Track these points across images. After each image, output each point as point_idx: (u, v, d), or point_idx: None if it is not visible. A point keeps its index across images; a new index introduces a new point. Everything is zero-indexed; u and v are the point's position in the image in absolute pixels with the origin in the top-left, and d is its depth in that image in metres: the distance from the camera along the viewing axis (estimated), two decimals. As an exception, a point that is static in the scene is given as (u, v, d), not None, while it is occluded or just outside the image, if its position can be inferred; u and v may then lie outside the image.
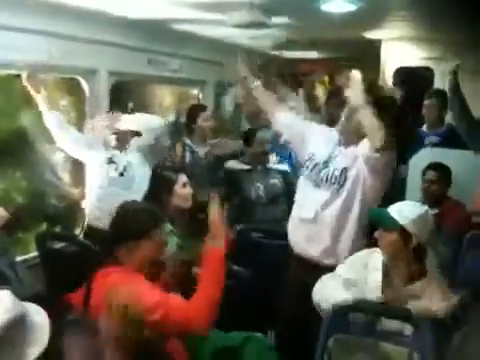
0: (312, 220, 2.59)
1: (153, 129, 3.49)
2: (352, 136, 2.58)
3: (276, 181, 3.71)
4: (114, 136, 3.42)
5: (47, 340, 1.35)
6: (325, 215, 2.57)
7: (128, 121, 3.42)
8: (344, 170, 2.54)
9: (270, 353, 2.30)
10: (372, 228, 2.38)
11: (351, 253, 2.42)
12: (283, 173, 3.79)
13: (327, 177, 2.58)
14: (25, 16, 2.85)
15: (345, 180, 2.54)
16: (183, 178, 2.82)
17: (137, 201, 2.41)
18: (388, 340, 2.01)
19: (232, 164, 3.87)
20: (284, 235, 2.79)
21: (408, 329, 2.02)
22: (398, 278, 2.17)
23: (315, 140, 2.76)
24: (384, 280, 2.18)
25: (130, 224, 2.10)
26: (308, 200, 2.65)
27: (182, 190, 2.78)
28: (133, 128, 3.42)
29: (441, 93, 4.05)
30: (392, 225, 2.15)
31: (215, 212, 2.12)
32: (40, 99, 3.15)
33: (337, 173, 2.56)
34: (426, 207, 2.25)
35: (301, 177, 2.78)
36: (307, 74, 6.03)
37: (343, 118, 2.61)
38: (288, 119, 2.89)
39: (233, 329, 2.32)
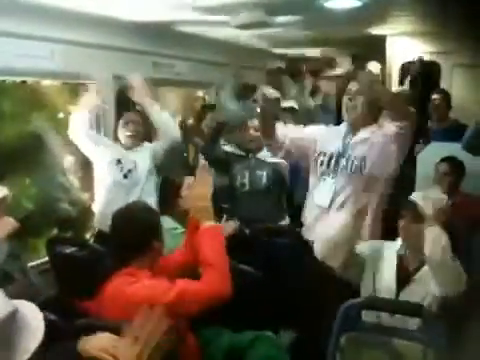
0: (335, 209, 2.68)
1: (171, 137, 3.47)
2: (359, 123, 2.72)
3: (263, 174, 3.61)
4: (128, 132, 3.43)
5: (42, 335, 1.36)
6: (347, 204, 2.65)
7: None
8: (363, 158, 2.65)
9: (280, 352, 2.30)
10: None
11: (371, 238, 2.56)
12: (274, 166, 3.59)
13: (346, 166, 2.69)
14: (31, 23, 2.87)
15: (364, 167, 2.65)
16: (190, 180, 2.83)
17: (133, 207, 2.29)
18: (401, 337, 2.00)
19: (229, 148, 3.81)
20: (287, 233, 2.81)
21: (420, 325, 2.01)
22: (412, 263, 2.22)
23: (319, 138, 2.84)
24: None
25: (130, 237, 2.07)
26: (328, 191, 2.73)
27: (188, 192, 2.77)
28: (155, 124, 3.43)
29: (443, 90, 4.24)
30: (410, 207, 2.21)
31: (203, 193, 2.08)
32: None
33: (357, 162, 2.66)
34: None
35: (312, 173, 2.86)
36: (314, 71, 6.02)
37: (348, 107, 2.73)
38: (285, 129, 2.94)
39: (244, 329, 2.32)
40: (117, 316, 1.85)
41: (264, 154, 3.49)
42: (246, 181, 3.53)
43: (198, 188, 2.11)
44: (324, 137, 2.85)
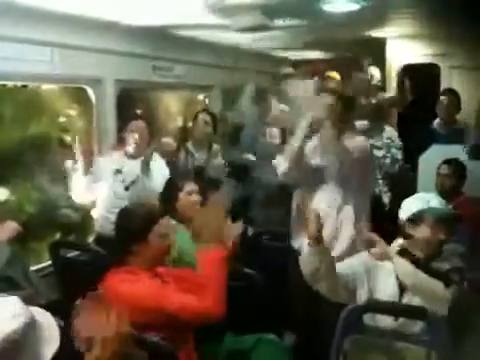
0: (335, 215, 2.72)
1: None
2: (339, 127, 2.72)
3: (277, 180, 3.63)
4: (134, 141, 3.42)
5: (58, 342, 1.37)
6: (346, 208, 2.72)
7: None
8: (340, 164, 2.66)
9: (283, 354, 2.30)
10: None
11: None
12: None
13: (334, 173, 2.71)
14: (30, 27, 2.87)
15: (355, 172, 2.67)
16: (190, 186, 2.82)
17: (135, 203, 2.44)
18: (404, 340, 2.00)
19: (246, 154, 3.85)
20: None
21: (423, 328, 2.01)
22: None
23: (313, 150, 2.86)
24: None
25: (129, 227, 2.13)
26: (324, 197, 2.77)
27: (187, 198, 2.77)
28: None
29: (454, 92, 4.17)
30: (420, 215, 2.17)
31: (218, 216, 2.13)
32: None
33: (338, 166, 2.68)
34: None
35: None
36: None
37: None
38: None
39: (247, 332, 2.32)
40: None
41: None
42: (260, 186, 3.58)
43: (210, 213, 2.15)
44: (316, 147, 2.87)
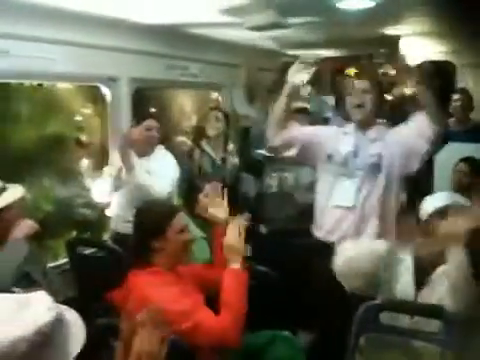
0: (358, 209, 2.68)
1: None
2: (368, 122, 2.74)
3: (290, 175, 3.62)
4: (148, 138, 3.41)
5: (83, 339, 1.39)
6: (371, 201, 2.67)
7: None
8: (379, 155, 2.66)
9: (297, 352, 2.30)
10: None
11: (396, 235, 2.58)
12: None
13: (363, 165, 2.68)
14: (46, 26, 2.90)
15: (382, 164, 2.66)
16: (208, 188, 2.80)
17: (152, 200, 2.48)
18: (420, 338, 1.99)
19: (260, 150, 3.85)
20: (308, 234, 2.79)
21: (439, 327, 2.00)
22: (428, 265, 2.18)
23: (329, 139, 2.83)
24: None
25: (147, 224, 2.15)
26: (349, 192, 2.71)
27: (205, 200, 2.76)
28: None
29: (467, 91, 4.18)
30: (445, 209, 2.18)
31: (235, 234, 2.13)
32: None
33: (374, 159, 2.67)
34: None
35: (323, 175, 2.84)
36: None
37: (355, 105, 2.73)
38: (297, 127, 2.92)
39: (261, 329, 2.32)
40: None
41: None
42: (273, 182, 3.56)
43: (232, 232, 2.14)
44: (334, 137, 2.83)
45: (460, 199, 2.24)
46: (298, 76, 2.76)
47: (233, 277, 2.05)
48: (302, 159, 2.96)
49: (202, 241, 2.55)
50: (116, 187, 3.31)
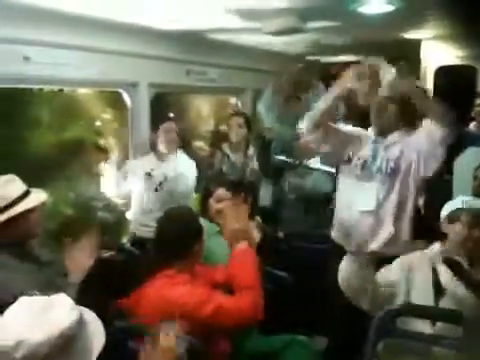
0: (375, 212, 2.68)
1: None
2: (387, 126, 2.73)
3: (310, 180, 3.61)
4: (167, 140, 3.46)
5: (103, 341, 1.40)
6: (387, 205, 2.68)
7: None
8: (397, 159, 2.67)
9: (314, 356, 2.29)
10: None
11: (411, 238, 2.58)
12: (322, 172, 3.65)
13: (381, 169, 2.69)
14: (66, 33, 2.95)
15: (399, 169, 2.67)
16: (220, 192, 2.81)
17: (177, 214, 2.34)
18: (439, 344, 1.96)
19: (280, 156, 3.86)
20: (325, 238, 2.78)
21: (458, 333, 1.97)
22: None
23: (352, 140, 2.83)
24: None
25: (192, 226, 2.18)
26: (365, 194, 2.72)
27: (216, 205, 2.76)
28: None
29: None
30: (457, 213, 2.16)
31: (234, 217, 2.14)
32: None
33: (392, 164, 2.68)
34: None
35: (343, 177, 2.86)
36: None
37: (376, 110, 2.73)
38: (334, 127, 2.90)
39: (277, 333, 2.32)
40: (155, 317, 1.90)
41: (314, 161, 3.52)
42: (293, 187, 3.57)
43: (230, 215, 2.16)
44: (357, 140, 2.84)
45: (476, 202, 2.20)
46: (353, 82, 2.71)
47: (241, 255, 2.07)
48: (331, 157, 2.99)
49: (218, 236, 2.54)
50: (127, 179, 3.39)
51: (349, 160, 2.80)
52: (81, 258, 2.29)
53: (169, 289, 2.01)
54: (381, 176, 2.70)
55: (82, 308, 1.47)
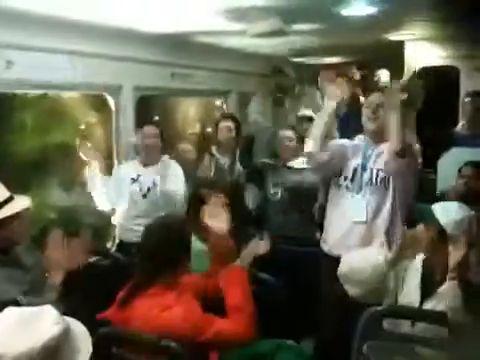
0: (366, 222, 2.67)
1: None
2: (380, 133, 2.70)
3: (295, 182, 3.59)
4: (147, 146, 3.40)
5: (90, 354, 1.39)
6: (379, 215, 2.67)
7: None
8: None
9: None
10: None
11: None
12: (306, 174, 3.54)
13: (371, 179, 2.69)
14: (50, 36, 2.93)
15: (389, 178, 2.65)
16: (215, 197, 2.77)
17: (168, 222, 2.26)
18: (424, 345, 1.98)
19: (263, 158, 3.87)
20: (314, 242, 2.78)
21: (444, 333, 1.99)
22: (437, 277, 2.15)
23: (341, 152, 2.81)
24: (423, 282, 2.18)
25: (183, 239, 2.12)
26: (357, 205, 2.71)
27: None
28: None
29: (477, 93, 4.10)
30: (432, 222, 2.16)
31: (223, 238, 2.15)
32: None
33: (381, 173, 2.66)
34: (471, 211, 2.22)
35: (335, 188, 2.83)
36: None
37: (369, 119, 2.72)
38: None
39: (265, 337, 2.31)
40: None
41: (297, 162, 3.52)
42: (278, 190, 3.55)
43: (216, 233, 2.15)
44: (347, 150, 2.83)
45: (459, 212, 2.19)
46: (336, 98, 2.74)
47: (234, 277, 2.07)
48: (327, 168, 2.90)
49: (201, 255, 2.52)
50: (110, 191, 3.34)
51: (340, 172, 2.79)
52: (60, 259, 2.25)
53: (161, 313, 1.96)
54: (371, 187, 2.69)
55: (70, 319, 1.46)
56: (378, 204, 2.67)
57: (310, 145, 2.77)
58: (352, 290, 2.23)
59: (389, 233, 2.64)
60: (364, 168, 2.72)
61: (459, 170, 3.41)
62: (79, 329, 1.46)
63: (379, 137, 2.72)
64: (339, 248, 2.69)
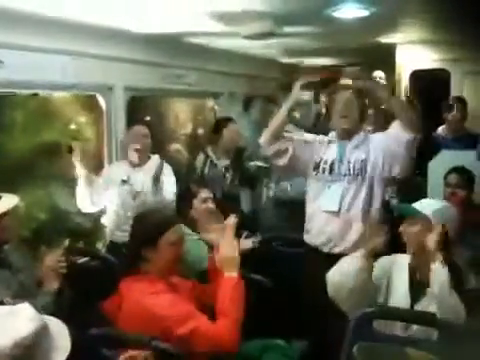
0: (343, 213, 2.73)
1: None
2: (353, 125, 2.79)
3: (287, 183, 3.62)
4: (136, 147, 3.36)
5: (68, 352, 1.38)
6: (355, 206, 2.73)
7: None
8: (364, 160, 2.73)
9: None
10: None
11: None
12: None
13: (348, 171, 2.75)
14: (42, 36, 2.91)
15: (366, 169, 2.72)
16: (204, 193, 2.80)
17: (151, 209, 2.44)
18: (414, 346, 1.98)
19: (255, 161, 3.88)
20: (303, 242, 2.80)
21: (434, 334, 1.99)
22: (423, 273, 2.15)
23: (316, 147, 2.90)
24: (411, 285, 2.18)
25: (140, 232, 2.15)
26: (335, 197, 2.75)
27: (201, 205, 2.76)
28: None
29: (463, 99, 4.17)
30: (415, 215, 2.19)
31: (229, 241, 2.13)
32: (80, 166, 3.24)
33: (357, 165, 2.74)
34: (448, 204, 2.30)
35: (313, 182, 2.88)
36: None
37: (341, 115, 2.78)
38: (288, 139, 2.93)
39: (254, 337, 2.31)
40: (134, 324, 1.94)
41: None
42: (268, 192, 3.58)
43: (227, 242, 2.14)
44: (320, 145, 2.90)
45: (439, 203, 2.26)
46: (306, 93, 2.81)
47: (230, 285, 2.04)
48: (292, 168, 3.00)
49: (197, 242, 2.53)
50: (93, 193, 3.31)
51: (317, 166, 2.84)
52: (56, 266, 2.27)
53: (150, 297, 1.98)
54: (348, 177, 2.75)
55: (47, 317, 1.44)
56: (354, 196, 2.73)
57: (263, 143, 2.88)
58: (343, 306, 2.23)
59: (366, 224, 2.65)
60: (341, 160, 2.78)
61: (445, 177, 3.41)
62: (57, 327, 1.44)
63: (351, 132, 2.80)
64: (320, 237, 2.78)
